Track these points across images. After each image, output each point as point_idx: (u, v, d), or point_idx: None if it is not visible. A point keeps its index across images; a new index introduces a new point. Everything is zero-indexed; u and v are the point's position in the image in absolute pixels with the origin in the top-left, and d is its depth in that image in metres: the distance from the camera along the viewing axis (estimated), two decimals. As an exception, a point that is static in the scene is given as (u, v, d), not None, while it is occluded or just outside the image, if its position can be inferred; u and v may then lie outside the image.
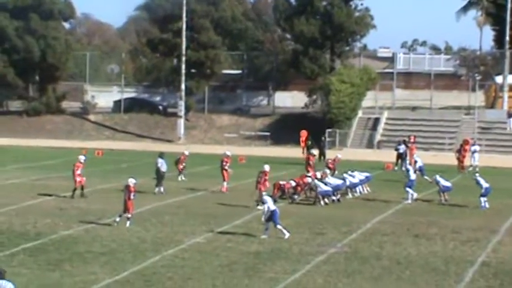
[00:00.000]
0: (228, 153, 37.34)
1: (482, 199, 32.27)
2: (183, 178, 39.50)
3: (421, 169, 40.02)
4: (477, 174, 34.45)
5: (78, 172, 33.14)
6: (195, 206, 31.85)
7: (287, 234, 25.10)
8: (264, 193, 26.48)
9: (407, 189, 33.61)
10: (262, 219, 25.61)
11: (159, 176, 35.30)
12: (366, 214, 30.25)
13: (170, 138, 67.82)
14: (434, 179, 33.19)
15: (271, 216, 25.19)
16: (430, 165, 45.48)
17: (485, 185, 32.50)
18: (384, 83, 71.27)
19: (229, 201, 33.04)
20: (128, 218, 26.77)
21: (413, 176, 34.02)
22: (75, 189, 33.05)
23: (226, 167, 35.89)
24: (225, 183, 35.58)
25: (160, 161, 35.71)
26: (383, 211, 31.14)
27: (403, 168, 46.85)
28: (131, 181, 27.11)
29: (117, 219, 26.87)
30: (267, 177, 31.95)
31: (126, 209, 26.78)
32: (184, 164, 40.00)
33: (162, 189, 34.94)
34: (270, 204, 25.36)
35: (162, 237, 25.14)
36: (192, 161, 42.52)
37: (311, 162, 38.97)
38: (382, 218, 29.69)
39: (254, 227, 26.94)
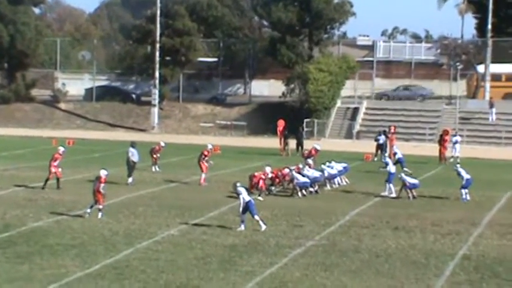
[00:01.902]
0: (210, 146, 37.12)
1: (463, 191, 32.44)
2: (157, 169, 39.38)
3: (400, 161, 40.07)
4: (458, 165, 34.57)
5: (56, 164, 32.81)
6: (168, 197, 31.78)
7: (263, 227, 25.12)
8: (238, 184, 26.46)
9: (389, 184, 33.37)
10: (239, 210, 25.59)
11: (130, 167, 35.16)
12: (345, 206, 30.32)
13: (144, 128, 67.64)
14: (400, 178, 33.00)
15: (247, 208, 25.18)
16: (410, 156, 45.66)
17: (466, 176, 32.66)
18: (364, 72, 71.50)
19: (204, 192, 33.01)
20: (100, 210, 26.67)
21: (393, 169, 34.02)
22: (47, 180, 32.82)
23: (204, 160, 35.66)
24: (203, 175, 35.43)
25: (131, 150, 35.56)
26: (362, 203, 31.23)
27: (383, 160, 47.12)
28: (103, 173, 26.97)
29: (88, 210, 26.77)
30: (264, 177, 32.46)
31: (96, 201, 26.66)
32: (158, 154, 39.86)
33: (131, 179, 34.76)
34: (244, 195, 25.36)
35: (134, 229, 25.07)
36: (167, 151, 42.38)
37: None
38: (361, 210, 29.77)
39: (230, 219, 26.92)
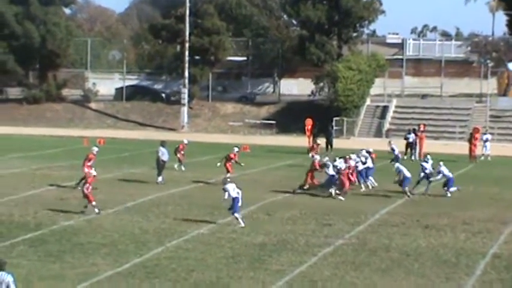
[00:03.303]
0: (236, 149, 37.05)
1: (450, 189, 32.25)
2: (182, 168, 39.23)
3: (397, 158, 38.95)
4: (441, 163, 33.90)
5: (89, 164, 32.46)
6: (198, 196, 31.84)
7: (242, 224, 25.40)
8: (228, 180, 26.85)
9: (429, 181, 33.17)
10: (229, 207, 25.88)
11: (160, 166, 35.26)
12: (375, 205, 30.21)
13: (173, 127, 67.80)
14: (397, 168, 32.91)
15: (232, 204, 25.53)
16: (440, 155, 45.31)
17: (449, 174, 32.59)
18: (393, 70, 71.13)
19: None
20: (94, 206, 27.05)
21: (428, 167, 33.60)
22: (82, 179, 32.71)
23: (230, 162, 35.47)
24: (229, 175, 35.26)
25: (161, 149, 35.68)
26: (392, 202, 31.10)
27: (413, 158, 46.91)
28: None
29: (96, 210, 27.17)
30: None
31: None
32: (183, 152, 39.64)
33: (160, 178, 34.87)
34: (231, 192, 25.66)
35: (164, 228, 25.15)
36: (196, 150, 42.53)
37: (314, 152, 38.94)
38: (391, 208, 29.66)
39: (259, 218, 26.94)
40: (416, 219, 27.29)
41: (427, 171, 33.02)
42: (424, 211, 29.01)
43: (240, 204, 25.84)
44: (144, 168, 38.71)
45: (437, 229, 25.75)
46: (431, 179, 32.96)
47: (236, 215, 25.59)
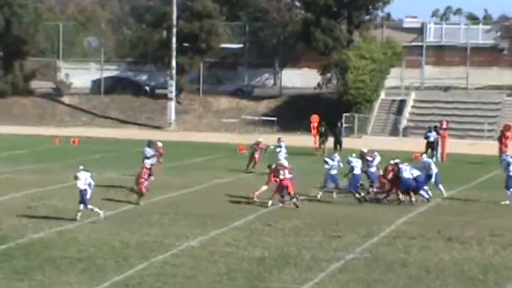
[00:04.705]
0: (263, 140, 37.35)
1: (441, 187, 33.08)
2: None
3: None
4: (424, 156, 34.54)
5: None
6: (188, 204, 31.90)
7: (101, 213, 27.57)
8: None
9: (440, 185, 33.58)
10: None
11: (146, 169, 35.25)
12: (390, 213, 30.28)
13: (159, 125, 67.88)
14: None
15: (81, 197, 27.28)
16: (466, 156, 45.55)
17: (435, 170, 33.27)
18: (411, 59, 71.23)
19: (229, 198, 33.06)
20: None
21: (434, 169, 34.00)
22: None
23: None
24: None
25: (148, 150, 35.71)
26: (410, 210, 31.17)
27: (434, 159, 46.97)
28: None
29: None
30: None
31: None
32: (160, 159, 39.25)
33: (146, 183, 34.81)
34: (79, 184, 27.37)
35: (149, 240, 25.19)
36: (185, 151, 42.64)
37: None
38: (408, 218, 29.72)
39: (258, 229, 27.00)
40: (438, 230, 27.35)
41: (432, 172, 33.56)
42: (446, 220, 29.08)
43: (88, 196, 27.60)
44: (125, 172, 38.71)
45: (461, 241, 25.81)
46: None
47: (89, 206, 27.50)
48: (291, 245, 24.75)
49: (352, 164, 32.78)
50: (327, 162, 33.10)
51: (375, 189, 33.47)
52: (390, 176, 32.49)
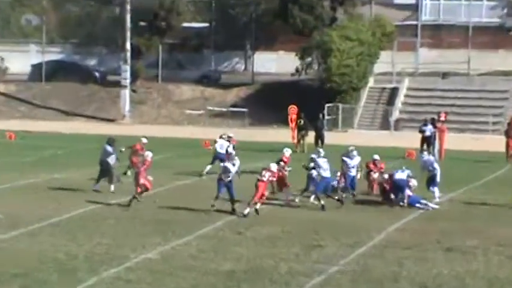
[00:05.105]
0: (290, 151, 37.04)
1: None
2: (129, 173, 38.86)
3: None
4: (425, 153, 34.97)
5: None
6: (145, 208, 31.85)
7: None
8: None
9: (433, 188, 33.71)
10: None
11: (105, 170, 35.03)
12: (380, 219, 30.36)
13: (110, 117, 67.78)
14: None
15: None
16: (467, 152, 45.69)
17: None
18: (404, 40, 71.47)
19: (193, 202, 33.04)
20: None
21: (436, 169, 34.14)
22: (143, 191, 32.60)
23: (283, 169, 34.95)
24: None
25: (107, 149, 35.52)
26: (403, 215, 31.27)
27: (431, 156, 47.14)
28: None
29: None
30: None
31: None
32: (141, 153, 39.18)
33: (112, 187, 34.75)
34: None
35: (99, 252, 25.13)
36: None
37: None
38: (401, 224, 29.82)
39: (227, 238, 26.99)
40: (436, 239, 27.46)
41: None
42: (446, 228, 29.19)
43: None
44: (71, 173, 38.59)
45: (463, 252, 25.92)
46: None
47: None
48: (264, 257, 24.76)
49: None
50: (314, 161, 32.86)
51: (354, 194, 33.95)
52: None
